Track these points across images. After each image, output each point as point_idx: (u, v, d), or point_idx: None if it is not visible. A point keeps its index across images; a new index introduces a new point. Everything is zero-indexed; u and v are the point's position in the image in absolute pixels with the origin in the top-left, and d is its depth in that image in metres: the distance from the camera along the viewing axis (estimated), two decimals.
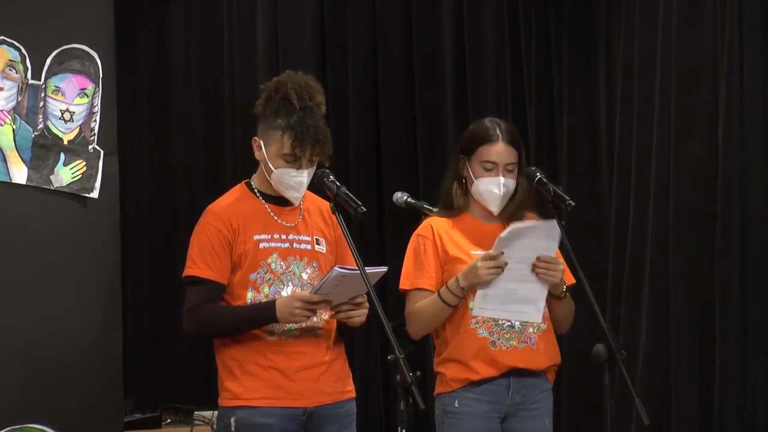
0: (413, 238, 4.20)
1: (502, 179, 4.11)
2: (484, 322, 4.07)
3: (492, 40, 6.32)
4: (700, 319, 5.37)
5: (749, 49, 5.25)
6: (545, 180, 4.11)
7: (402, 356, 3.46)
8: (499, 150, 4.12)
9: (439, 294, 4.07)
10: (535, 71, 6.11)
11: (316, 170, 3.87)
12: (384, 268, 3.78)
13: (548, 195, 4.08)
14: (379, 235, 6.58)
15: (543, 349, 4.11)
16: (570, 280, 4.14)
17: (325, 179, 3.80)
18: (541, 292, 4.06)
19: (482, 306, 4.04)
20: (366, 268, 3.65)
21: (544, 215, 4.20)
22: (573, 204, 4.04)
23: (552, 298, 4.10)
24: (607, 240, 5.78)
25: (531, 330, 4.10)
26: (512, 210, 4.16)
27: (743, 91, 5.26)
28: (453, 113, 6.42)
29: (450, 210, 4.21)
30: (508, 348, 4.07)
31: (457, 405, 4.08)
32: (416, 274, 4.13)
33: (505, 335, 4.08)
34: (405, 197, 4.70)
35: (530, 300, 4.06)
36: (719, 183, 5.28)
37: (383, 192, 6.46)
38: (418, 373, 3.47)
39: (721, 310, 5.27)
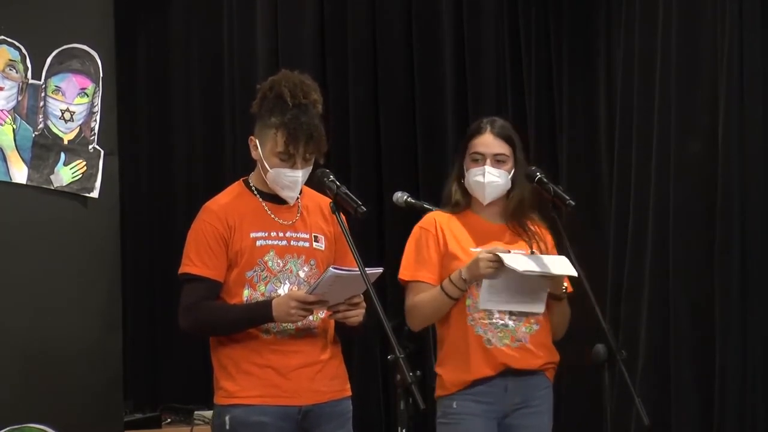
0: (415, 229, 4.21)
1: (487, 168, 4.12)
2: (480, 320, 4.08)
3: (492, 40, 6.31)
4: (700, 320, 5.37)
5: (749, 49, 5.25)
6: (545, 180, 4.12)
7: (402, 356, 3.46)
8: (486, 140, 4.15)
9: (441, 287, 4.08)
10: (535, 71, 6.11)
11: (316, 170, 3.87)
12: (380, 270, 3.78)
13: (548, 195, 4.09)
14: (379, 235, 6.58)
15: (535, 349, 4.12)
16: (568, 288, 4.15)
17: (325, 179, 3.80)
18: (543, 287, 4.07)
19: (488, 299, 4.05)
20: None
21: (544, 215, 4.20)
22: (573, 204, 4.04)
23: (551, 298, 4.11)
24: (607, 240, 5.78)
25: (524, 329, 4.11)
26: (512, 208, 4.17)
27: (743, 91, 5.26)
28: (453, 113, 6.42)
29: (452, 206, 4.22)
30: (501, 346, 4.08)
31: (455, 406, 4.09)
32: (417, 266, 4.14)
33: (498, 334, 4.09)
34: (405, 197, 4.70)
35: (534, 293, 4.07)
36: (719, 183, 5.28)
37: (383, 192, 6.46)
38: (418, 372, 3.47)
39: (721, 309, 5.27)
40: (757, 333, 5.23)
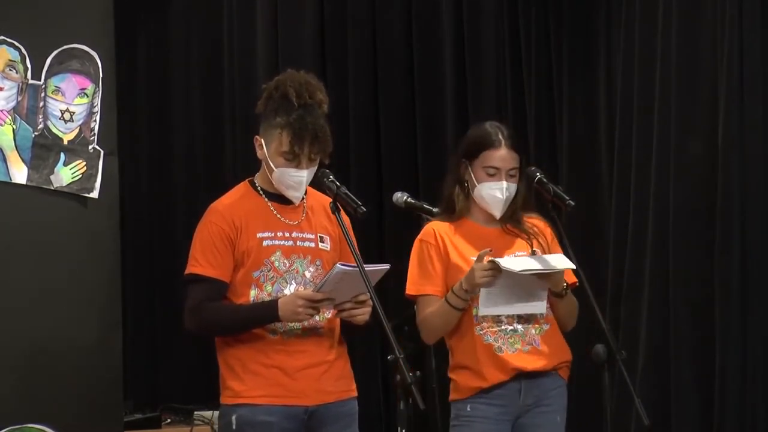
0: (417, 243, 4.20)
1: (505, 184, 4.11)
2: (488, 328, 4.08)
3: (492, 40, 6.31)
4: (700, 320, 5.37)
5: (749, 49, 5.25)
6: (545, 180, 4.11)
7: (402, 356, 3.46)
8: (503, 155, 4.12)
9: (446, 299, 4.08)
10: (535, 71, 6.11)
11: (316, 170, 3.88)
12: (386, 266, 3.78)
13: (548, 195, 4.08)
14: (379, 235, 6.58)
15: (548, 350, 4.11)
16: (572, 279, 4.14)
17: (325, 179, 3.80)
18: (541, 286, 4.06)
19: (487, 305, 4.04)
20: (367, 266, 3.65)
21: (544, 215, 4.20)
22: (573, 204, 4.04)
23: (552, 296, 4.11)
24: (607, 240, 5.78)
25: (534, 332, 4.11)
26: (510, 213, 4.17)
27: (743, 91, 5.26)
28: (453, 113, 6.42)
29: (451, 214, 4.21)
30: (513, 352, 4.07)
31: (469, 409, 4.10)
32: (422, 280, 4.13)
33: (509, 340, 4.08)
34: (405, 197, 4.70)
35: (532, 293, 4.06)
36: (719, 183, 5.28)
37: (383, 192, 6.46)
38: (418, 373, 3.47)
39: (721, 310, 5.27)
40: (757, 333, 5.23)
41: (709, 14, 5.40)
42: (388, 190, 6.02)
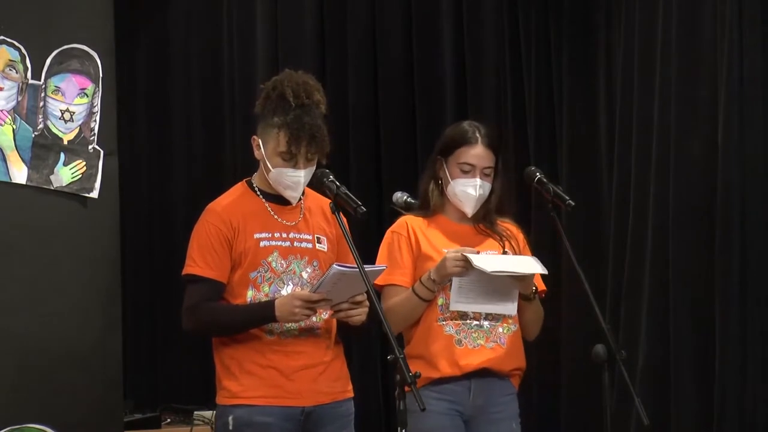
0: (387, 234, 4.22)
1: (478, 181, 4.12)
2: (452, 320, 4.08)
3: (492, 42, 6.31)
4: (700, 320, 5.37)
5: (749, 49, 5.25)
6: (545, 180, 4.12)
7: (402, 356, 3.46)
8: (478, 153, 4.14)
9: (413, 289, 4.08)
10: (535, 72, 6.11)
11: (315, 170, 3.87)
12: (383, 267, 3.78)
13: (548, 195, 4.09)
14: (379, 235, 6.56)
15: (511, 351, 4.12)
16: (541, 286, 4.15)
17: (325, 179, 3.80)
18: (513, 287, 4.06)
19: (458, 299, 4.04)
20: (366, 266, 3.65)
21: (544, 215, 4.20)
22: (573, 204, 4.04)
23: (521, 299, 4.11)
24: (607, 240, 5.78)
25: (501, 330, 4.11)
26: (483, 213, 4.18)
27: (743, 91, 5.26)
28: (453, 114, 6.41)
29: (426, 210, 4.23)
30: (474, 347, 4.07)
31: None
32: (390, 269, 4.13)
33: (472, 334, 4.08)
34: (405, 197, 4.70)
35: (505, 293, 4.06)
36: (719, 183, 5.28)
37: (383, 192, 6.46)
38: (418, 372, 3.47)
39: (721, 310, 5.26)
40: (757, 333, 5.23)
41: (709, 14, 5.39)
42: (388, 190, 6.02)
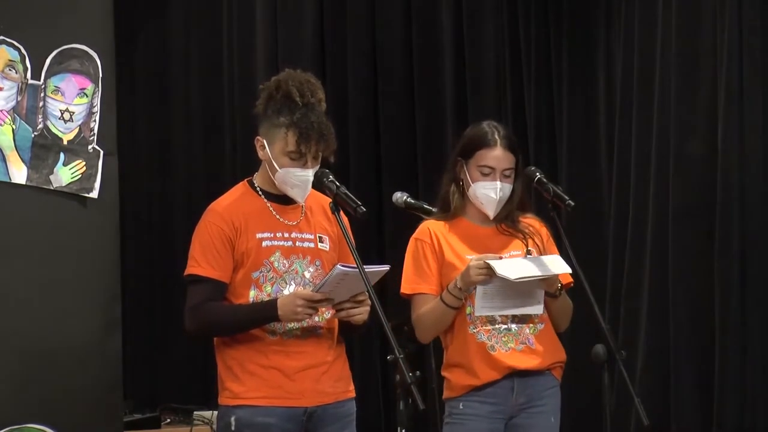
0: (412, 242, 4.20)
1: (499, 184, 4.11)
2: (482, 326, 4.08)
3: (492, 40, 6.31)
4: (700, 319, 5.37)
5: (749, 49, 5.25)
6: (545, 180, 4.11)
7: (402, 356, 3.46)
8: (497, 155, 4.12)
9: (441, 297, 4.08)
10: (535, 71, 6.11)
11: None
12: (386, 267, 3.78)
13: (548, 195, 4.08)
14: (379, 235, 6.58)
15: (542, 349, 4.11)
16: (566, 280, 4.14)
17: (325, 179, 3.80)
18: (538, 287, 4.06)
19: (483, 305, 4.04)
20: (367, 267, 3.64)
21: (544, 215, 4.20)
22: (573, 204, 4.04)
23: (546, 296, 4.11)
24: (607, 240, 5.78)
25: (528, 331, 4.11)
26: (506, 213, 4.17)
27: (743, 91, 5.26)
28: (452, 113, 6.42)
29: (447, 213, 4.21)
30: (506, 351, 4.08)
31: (461, 407, 4.10)
32: (417, 279, 4.13)
33: (502, 338, 4.09)
34: (405, 197, 4.69)
35: (530, 294, 4.06)
36: (719, 183, 5.28)
37: (383, 192, 6.46)
38: (418, 373, 3.46)
39: (721, 310, 5.27)
40: (757, 333, 5.23)
41: (709, 14, 5.40)
42: (388, 190, 6.02)
